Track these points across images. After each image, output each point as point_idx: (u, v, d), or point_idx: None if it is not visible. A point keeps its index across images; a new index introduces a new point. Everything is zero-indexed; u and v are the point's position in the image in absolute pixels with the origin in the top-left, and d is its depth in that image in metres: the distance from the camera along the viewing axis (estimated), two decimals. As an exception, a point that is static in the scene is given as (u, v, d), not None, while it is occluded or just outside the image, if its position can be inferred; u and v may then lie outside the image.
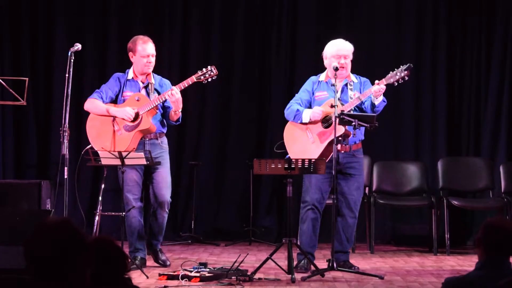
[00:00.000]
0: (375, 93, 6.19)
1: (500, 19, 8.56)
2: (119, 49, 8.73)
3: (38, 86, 8.64)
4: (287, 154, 6.47)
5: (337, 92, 6.24)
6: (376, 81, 6.25)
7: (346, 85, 6.43)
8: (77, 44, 6.43)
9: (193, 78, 6.47)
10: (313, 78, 6.60)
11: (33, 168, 8.67)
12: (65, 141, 6.15)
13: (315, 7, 8.73)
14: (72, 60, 6.31)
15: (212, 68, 6.52)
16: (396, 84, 6.31)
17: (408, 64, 6.31)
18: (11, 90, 6.59)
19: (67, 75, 6.26)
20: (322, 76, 6.54)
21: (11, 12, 8.68)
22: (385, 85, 6.23)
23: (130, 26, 8.75)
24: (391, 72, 6.30)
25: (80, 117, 8.54)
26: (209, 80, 6.54)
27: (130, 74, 6.63)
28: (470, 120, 8.62)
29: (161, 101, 6.46)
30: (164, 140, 6.64)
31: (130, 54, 6.60)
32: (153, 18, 8.76)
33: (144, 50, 6.54)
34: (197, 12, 8.81)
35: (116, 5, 8.79)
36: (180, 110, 6.47)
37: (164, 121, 6.63)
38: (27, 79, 6.63)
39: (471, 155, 8.56)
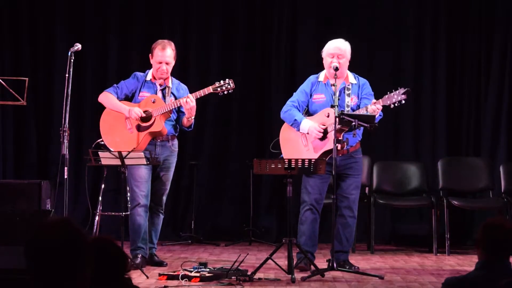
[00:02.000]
0: (370, 111, 6.14)
1: (499, 19, 8.56)
2: (119, 49, 8.75)
3: (38, 86, 8.64)
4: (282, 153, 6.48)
5: (335, 94, 6.22)
6: (373, 100, 6.21)
7: (343, 88, 6.38)
8: (77, 44, 6.43)
9: (209, 89, 6.47)
10: (312, 78, 6.56)
11: (33, 168, 8.67)
12: (65, 141, 6.14)
13: (314, 9, 8.74)
14: (72, 60, 6.31)
15: (230, 82, 6.49)
16: (393, 106, 6.23)
17: (407, 89, 6.21)
18: (11, 90, 6.59)
19: (67, 75, 6.26)
20: (321, 76, 6.51)
21: (11, 12, 8.68)
22: (382, 105, 6.19)
23: (130, 26, 8.77)
24: (388, 93, 6.20)
25: (80, 117, 8.58)
26: (225, 93, 6.52)
27: (149, 75, 6.63)
28: (470, 120, 8.62)
29: (176, 106, 6.46)
30: (175, 143, 6.66)
31: (150, 55, 6.61)
32: (153, 18, 8.76)
33: (158, 56, 6.53)
34: (197, 12, 8.81)
35: (116, 5, 8.80)
36: (193, 117, 6.48)
37: (177, 125, 6.64)
38: (27, 79, 6.63)
39: (471, 155, 8.56)
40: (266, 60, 8.81)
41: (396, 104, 6.18)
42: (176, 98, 6.56)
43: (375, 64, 8.64)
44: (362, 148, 6.69)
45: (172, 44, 6.64)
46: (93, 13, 8.77)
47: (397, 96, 6.16)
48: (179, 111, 6.59)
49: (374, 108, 6.11)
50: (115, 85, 6.64)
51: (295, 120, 6.36)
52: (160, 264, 6.55)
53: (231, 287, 5.57)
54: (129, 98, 6.60)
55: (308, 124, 6.32)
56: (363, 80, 6.50)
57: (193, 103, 6.39)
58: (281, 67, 8.75)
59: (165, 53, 6.53)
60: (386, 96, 6.20)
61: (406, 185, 8.25)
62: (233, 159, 8.74)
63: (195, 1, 8.83)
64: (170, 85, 6.61)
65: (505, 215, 7.75)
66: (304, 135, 6.39)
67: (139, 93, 6.58)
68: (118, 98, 6.56)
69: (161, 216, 6.67)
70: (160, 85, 6.60)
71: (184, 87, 6.71)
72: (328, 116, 6.22)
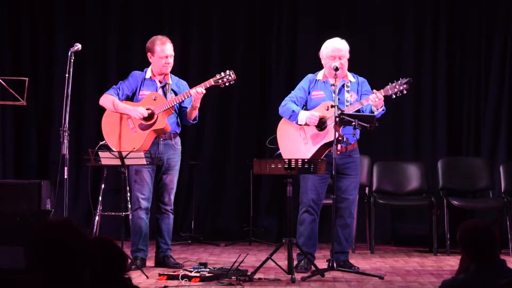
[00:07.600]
0: (372, 101, 6.16)
1: (500, 19, 8.57)
2: (119, 49, 8.75)
3: (38, 86, 8.63)
4: (279, 149, 6.48)
5: (334, 92, 6.23)
6: (374, 91, 6.22)
7: (343, 86, 6.40)
8: (77, 44, 6.43)
9: (210, 81, 6.44)
10: (310, 76, 6.58)
11: (33, 168, 8.67)
12: (65, 141, 6.15)
13: (314, 8, 8.75)
14: (72, 60, 6.31)
15: (231, 73, 6.46)
16: (394, 96, 6.25)
17: (408, 78, 6.24)
18: (11, 90, 6.59)
19: (67, 75, 6.26)
20: (320, 75, 6.53)
21: (11, 12, 8.68)
22: (384, 96, 6.19)
23: (130, 26, 8.77)
24: (390, 83, 6.24)
25: (80, 117, 8.58)
26: (227, 84, 6.49)
27: (148, 73, 6.61)
28: (470, 120, 8.62)
29: (178, 101, 6.45)
30: (178, 141, 6.63)
31: (149, 54, 6.59)
32: (153, 18, 8.76)
33: (162, 51, 6.52)
34: (197, 13, 8.81)
35: (116, 5, 8.80)
36: (197, 107, 6.46)
37: (179, 122, 6.63)
38: (27, 79, 6.63)
39: (471, 155, 8.56)
40: (267, 61, 8.81)
41: (398, 94, 6.22)
42: (176, 95, 6.55)
43: (375, 64, 8.63)
44: (362, 148, 6.70)
45: (168, 38, 6.66)
46: (93, 13, 8.77)
47: (399, 86, 6.19)
48: (180, 107, 6.59)
49: (375, 96, 6.11)
50: (114, 86, 6.62)
51: (293, 111, 6.36)
52: (176, 266, 6.42)
53: (231, 287, 5.57)
54: (130, 98, 6.60)
55: (305, 114, 6.34)
56: (362, 78, 6.56)
57: (203, 93, 6.36)
58: (281, 67, 8.75)
59: (166, 47, 6.54)
60: (388, 86, 6.22)
61: (406, 185, 8.24)
62: (233, 159, 8.74)
63: (195, 0, 8.83)
64: (170, 81, 6.61)
65: (505, 215, 7.76)
66: (302, 129, 6.38)
67: (139, 92, 6.57)
68: (119, 99, 6.55)
69: (171, 216, 6.61)
70: (160, 82, 6.60)
71: (184, 83, 6.70)
72: (327, 109, 6.22)
